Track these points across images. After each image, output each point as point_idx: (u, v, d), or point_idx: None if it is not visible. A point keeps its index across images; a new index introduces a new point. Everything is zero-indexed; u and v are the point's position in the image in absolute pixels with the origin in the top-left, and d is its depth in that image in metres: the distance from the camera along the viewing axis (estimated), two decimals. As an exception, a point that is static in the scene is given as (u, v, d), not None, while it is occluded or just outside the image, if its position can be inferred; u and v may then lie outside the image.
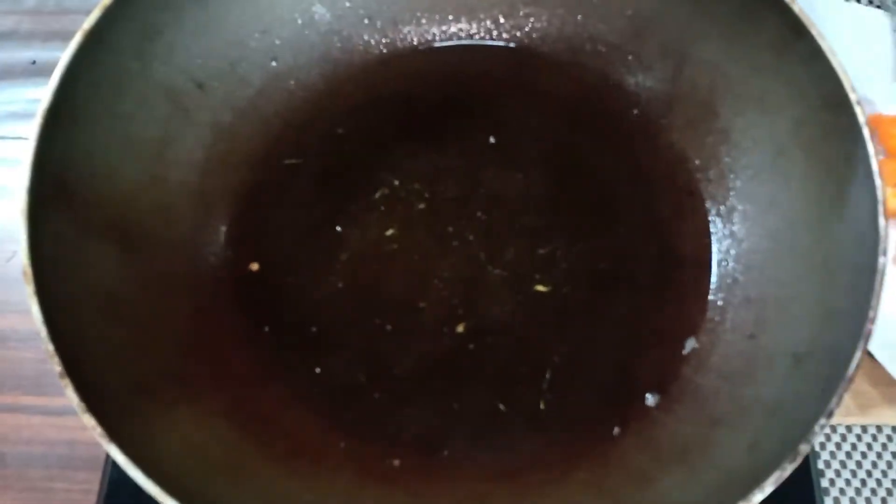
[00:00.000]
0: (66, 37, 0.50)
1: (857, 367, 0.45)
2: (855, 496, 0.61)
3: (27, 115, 0.70)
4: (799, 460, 0.43)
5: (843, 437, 0.63)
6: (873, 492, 0.62)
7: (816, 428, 0.44)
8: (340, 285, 0.59)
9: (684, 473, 0.50)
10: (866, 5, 0.76)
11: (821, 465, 0.62)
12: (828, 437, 0.63)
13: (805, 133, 0.54)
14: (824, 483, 0.62)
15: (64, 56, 0.50)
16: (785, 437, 0.46)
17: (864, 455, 0.63)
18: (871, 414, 0.63)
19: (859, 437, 0.63)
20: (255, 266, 0.59)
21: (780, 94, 0.55)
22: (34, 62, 0.77)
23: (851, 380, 0.45)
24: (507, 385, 0.56)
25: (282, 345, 0.57)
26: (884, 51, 0.71)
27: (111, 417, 0.44)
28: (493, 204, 0.61)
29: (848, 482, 0.62)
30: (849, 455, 0.63)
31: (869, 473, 0.62)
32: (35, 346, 0.65)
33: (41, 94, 0.49)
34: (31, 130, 0.48)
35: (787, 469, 0.43)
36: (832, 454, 0.63)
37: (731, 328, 0.57)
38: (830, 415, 0.44)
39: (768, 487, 0.43)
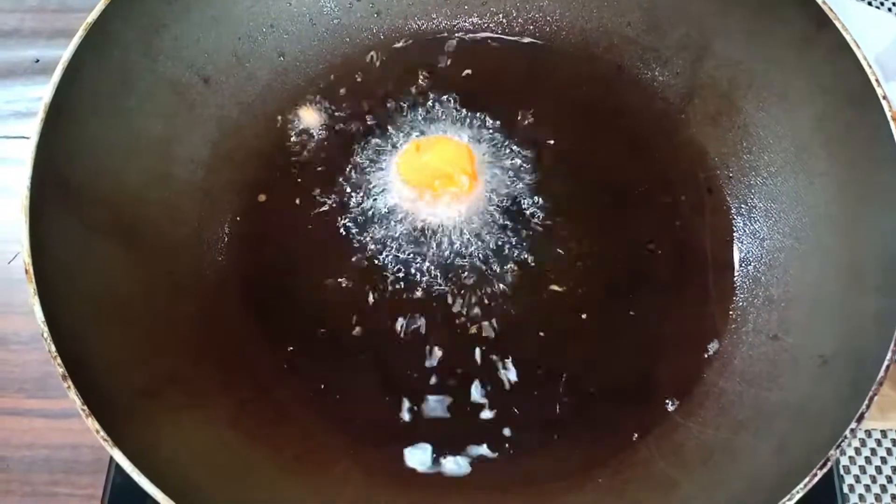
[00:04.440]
0: (69, 35, 0.50)
1: (888, 370, 0.44)
2: (875, 502, 0.60)
3: (31, 115, 0.70)
4: (829, 466, 0.42)
5: (863, 442, 0.62)
6: (894, 497, 0.60)
7: (847, 433, 0.42)
8: (349, 286, 0.58)
9: (708, 479, 0.49)
10: (877, 7, 0.76)
11: (840, 470, 0.61)
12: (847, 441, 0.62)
13: (828, 128, 0.53)
14: (844, 488, 0.60)
15: (67, 51, 0.49)
16: (812, 441, 0.45)
17: (884, 460, 0.61)
18: (891, 417, 0.61)
19: (879, 442, 0.62)
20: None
21: (803, 88, 0.55)
22: (38, 60, 0.76)
23: (881, 383, 0.43)
24: (522, 388, 0.55)
25: (289, 347, 0.56)
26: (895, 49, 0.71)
27: (115, 421, 0.43)
28: (507, 201, 0.60)
29: (868, 487, 0.61)
30: (868, 460, 0.61)
31: (889, 479, 0.61)
32: (38, 349, 0.64)
33: (44, 93, 0.48)
34: (32, 128, 0.47)
35: (818, 476, 0.41)
36: (851, 459, 0.61)
37: (753, 329, 0.55)
38: (861, 419, 0.43)
39: (797, 495, 0.41)
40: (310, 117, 0.63)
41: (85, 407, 0.42)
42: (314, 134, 0.62)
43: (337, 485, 0.51)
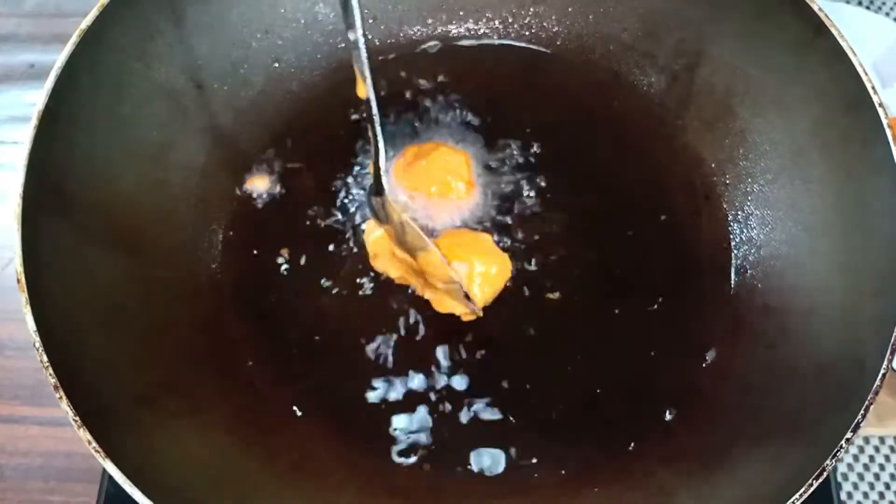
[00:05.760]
0: (66, 40, 0.50)
1: (884, 378, 0.43)
2: (873, 509, 0.60)
3: (26, 120, 0.69)
4: (825, 476, 0.42)
5: (861, 449, 0.62)
6: (892, 504, 0.60)
7: (843, 442, 0.42)
8: (345, 293, 0.57)
9: (705, 488, 0.48)
10: (875, 12, 0.75)
11: (838, 478, 0.61)
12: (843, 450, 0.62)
13: (825, 135, 0.53)
14: (842, 495, 0.60)
15: (61, 56, 0.49)
16: (809, 450, 0.44)
17: (882, 466, 0.61)
18: (889, 424, 0.61)
19: (877, 449, 0.62)
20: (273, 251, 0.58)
21: (800, 94, 0.54)
22: (33, 65, 0.76)
23: (878, 392, 0.43)
24: (517, 395, 0.55)
25: (284, 355, 0.56)
26: (892, 55, 0.71)
27: (109, 431, 0.43)
28: (503, 207, 0.60)
29: (865, 494, 0.61)
30: (866, 466, 0.61)
31: (887, 486, 0.61)
32: (33, 356, 0.62)
33: (38, 98, 0.48)
34: (26, 133, 0.47)
35: (814, 486, 0.41)
36: (849, 465, 0.61)
37: (750, 338, 0.55)
38: (857, 428, 0.43)
39: (794, 505, 0.41)
40: (305, 123, 0.63)
41: (77, 418, 0.42)
42: (310, 140, 0.62)
43: (333, 494, 0.51)
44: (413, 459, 0.53)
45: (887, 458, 0.62)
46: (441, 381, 0.55)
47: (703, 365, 0.55)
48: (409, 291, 0.57)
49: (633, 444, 0.53)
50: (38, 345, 0.43)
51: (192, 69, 0.57)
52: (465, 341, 0.56)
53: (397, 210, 0.53)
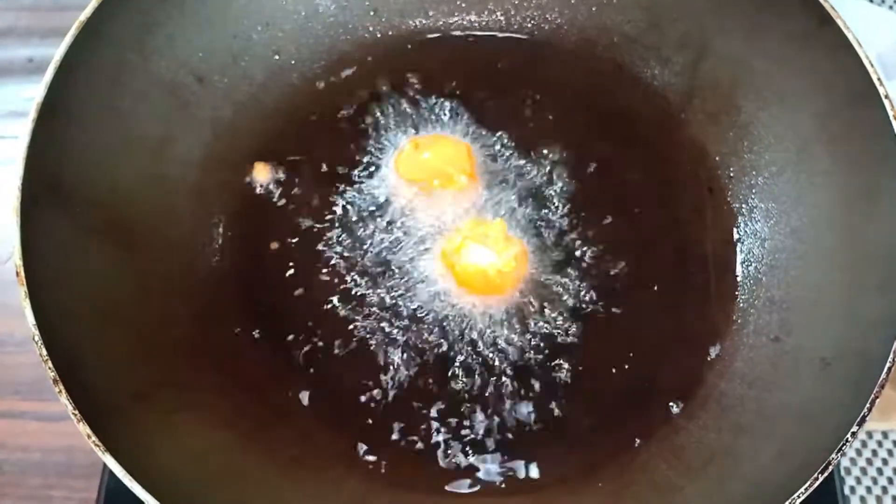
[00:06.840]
0: (64, 33, 0.50)
1: (890, 371, 0.43)
2: (877, 504, 0.60)
3: (26, 114, 0.70)
4: (830, 470, 0.41)
5: (864, 443, 0.62)
6: (895, 499, 0.60)
7: (848, 436, 0.42)
8: (346, 287, 0.57)
9: (709, 483, 0.48)
10: (878, 5, 0.75)
11: (841, 472, 0.61)
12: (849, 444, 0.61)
13: (830, 128, 0.53)
14: (845, 490, 0.60)
15: (59, 50, 0.49)
16: (814, 445, 0.44)
17: (885, 461, 0.61)
18: (892, 418, 0.61)
19: (880, 443, 0.62)
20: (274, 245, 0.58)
21: (804, 87, 0.54)
22: (31, 60, 0.76)
23: (883, 385, 0.43)
24: (522, 392, 0.54)
25: (285, 349, 0.56)
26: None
27: (108, 425, 0.43)
28: (504, 202, 0.59)
29: (869, 489, 0.60)
30: (869, 461, 0.61)
31: (890, 480, 0.61)
32: (33, 351, 0.63)
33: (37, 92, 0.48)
34: (24, 128, 0.47)
35: (819, 479, 0.41)
36: (853, 460, 0.61)
37: (754, 331, 0.55)
38: (863, 422, 0.42)
39: (799, 499, 0.41)
40: (306, 116, 0.62)
41: (76, 412, 0.42)
42: (311, 132, 0.62)
43: (333, 488, 0.51)
44: (413, 456, 0.53)
45: (890, 452, 0.61)
46: (442, 378, 0.55)
47: (708, 359, 0.55)
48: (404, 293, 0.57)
49: (638, 441, 0.53)
50: (37, 338, 0.43)
51: (192, 62, 0.57)
52: (467, 339, 0.56)
53: None
